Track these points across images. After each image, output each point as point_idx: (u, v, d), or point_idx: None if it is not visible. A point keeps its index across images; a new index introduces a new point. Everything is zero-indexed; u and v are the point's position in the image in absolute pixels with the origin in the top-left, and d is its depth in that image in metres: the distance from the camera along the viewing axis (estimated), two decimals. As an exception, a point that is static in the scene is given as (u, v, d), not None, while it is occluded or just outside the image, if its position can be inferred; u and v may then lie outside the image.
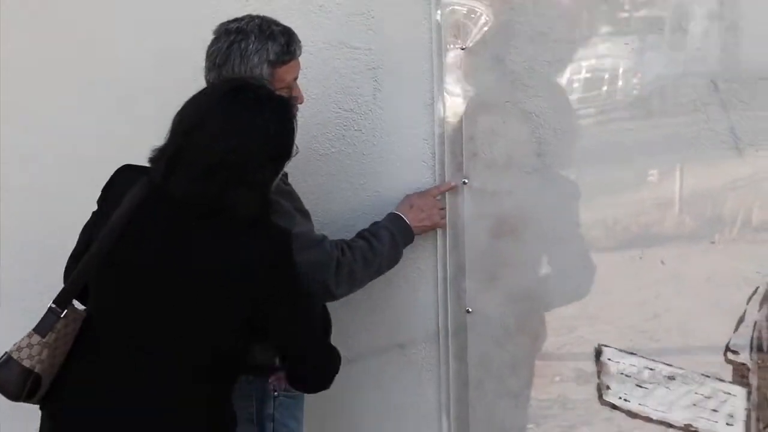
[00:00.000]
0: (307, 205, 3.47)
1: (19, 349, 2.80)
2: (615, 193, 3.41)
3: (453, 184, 3.45)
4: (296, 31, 3.36)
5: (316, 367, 2.88)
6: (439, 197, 3.45)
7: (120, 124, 3.66)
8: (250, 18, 3.05)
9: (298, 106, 3.10)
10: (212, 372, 2.77)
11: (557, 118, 3.39)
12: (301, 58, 3.36)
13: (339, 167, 3.56)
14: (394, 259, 3.30)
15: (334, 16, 3.49)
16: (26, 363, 2.78)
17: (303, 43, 3.33)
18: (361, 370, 3.63)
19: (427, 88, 3.46)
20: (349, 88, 3.51)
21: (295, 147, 2.85)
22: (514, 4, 3.37)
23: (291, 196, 3.11)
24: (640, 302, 3.41)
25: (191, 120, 2.71)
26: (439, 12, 3.41)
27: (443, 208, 3.45)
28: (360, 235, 3.26)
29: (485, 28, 3.39)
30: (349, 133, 3.53)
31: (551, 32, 3.35)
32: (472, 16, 3.39)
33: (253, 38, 2.98)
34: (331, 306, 3.47)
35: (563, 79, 3.38)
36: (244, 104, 2.70)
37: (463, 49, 3.40)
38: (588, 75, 3.37)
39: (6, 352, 2.82)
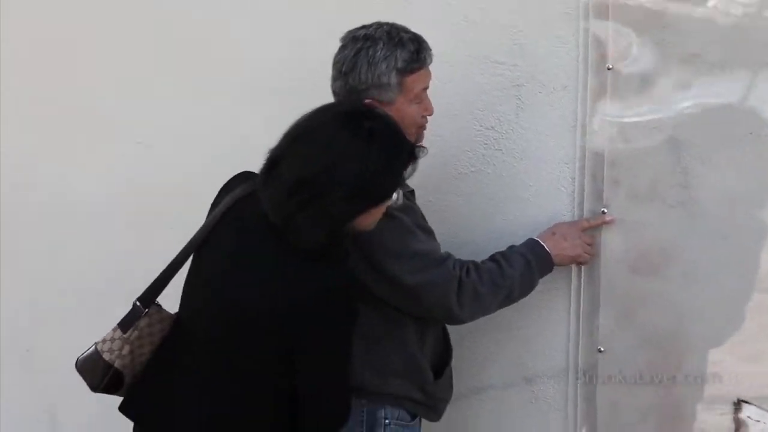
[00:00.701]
0: (442, 225, 3.35)
1: (103, 341, 2.81)
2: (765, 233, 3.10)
3: (609, 219, 3.22)
4: (439, 43, 3.25)
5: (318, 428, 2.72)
6: (589, 230, 3.22)
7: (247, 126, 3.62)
8: (379, 24, 2.93)
9: (428, 118, 2.99)
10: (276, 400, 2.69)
11: (706, 147, 3.11)
12: (443, 72, 3.27)
13: (477, 188, 3.39)
14: (528, 286, 3.08)
15: (478, 29, 3.33)
16: (106, 356, 2.79)
17: (445, 55, 3.24)
18: (486, 400, 3.48)
19: (570, 109, 3.25)
20: (491, 105, 3.34)
21: (397, 195, 2.70)
22: (666, 22, 3.11)
23: (413, 211, 2.95)
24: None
25: (299, 131, 2.59)
26: (587, 29, 3.19)
27: (591, 244, 3.22)
28: (492, 257, 3.08)
29: (634, 48, 3.15)
30: (489, 153, 3.36)
31: (704, 54, 3.08)
32: (622, 34, 3.16)
33: (381, 45, 2.85)
34: (459, 332, 3.34)
35: (714, 106, 3.09)
36: (354, 131, 2.53)
37: (610, 69, 3.17)
38: (741, 102, 3.08)
39: (95, 342, 2.83)
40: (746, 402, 3.13)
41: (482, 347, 3.45)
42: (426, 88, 2.97)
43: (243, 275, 2.63)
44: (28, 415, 4.27)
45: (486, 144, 3.36)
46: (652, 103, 3.15)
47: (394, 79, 2.86)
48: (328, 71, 2.93)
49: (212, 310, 2.68)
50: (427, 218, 3.38)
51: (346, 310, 2.61)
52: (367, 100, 2.83)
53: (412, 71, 2.89)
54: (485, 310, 3.02)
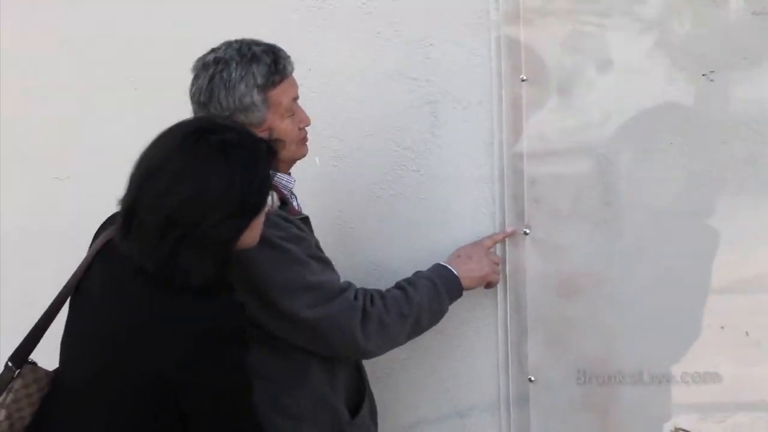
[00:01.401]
0: (362, 253, 3.21)
1: None
2: (694, 250, 2.90)
3: (509, 231, 3.04)
4: (354, 59, 3.10)
5: None
6: (493, 248, 3.03)
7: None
8: (227, 44, 2.71)
9: (307, 129, 2.81)
10: None
11: (628, 161, 2.91)
12: (358, 90, 3.15)
13: (397, 212, 3.21)
14: (437, 312, 2.87)
15: (391, 44, 3.14)
16: None
17: (360, 73, 3.14)
18: (418, 438, 3.27)
19: (487, 125, 3.06)
20: (407, 124, 3.16)
21: (271, 199, 2.51)
22: (581, 28, 2.91)
23: (304, 240, 2.73)
24: (725, 377, 2.87)
25: (148, 167, 2.36)
26: (498, 38, 3.00)
27: (498, 263, 3.03)
28: (397, 284, 2.87)
29: (548, 57, 2.95)
30: (407, 174, 3.18)
31: (623, 61, 2.89)
32: (535, 42, 2.96)
33: (234, 65, 2.64)
34: (388, 366, 3.16)
35: (636, 117, 2.89)
36: (205, 149, 2.32)
37: (524, 80, 2.97)
38: (666, 112, 2.88)
39: None
40: (684, 430, 2.93)
41: (411, 381, 3.27)
42: (296, 98, 2.77)
43: (117, 321, 2.42)
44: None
45: (404, 165, 3.18)
46: (570, 115, 2.96)
47: (257, 97, 2.66)
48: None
49: (90, 360, 2.48)
50: (350, 246, 3.23)
51: (234, 345, 2.39)
52: None
53: (274, 84, 2.68)
54: (393, 340, 2.81)
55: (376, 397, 3.20)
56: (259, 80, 2.65)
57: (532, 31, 2.96)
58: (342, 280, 3.13)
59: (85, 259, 2.59)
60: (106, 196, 3.21)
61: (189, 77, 2.85)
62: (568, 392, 3.04)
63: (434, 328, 2.90)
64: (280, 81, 2.69)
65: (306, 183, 3.24)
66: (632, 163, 2.91)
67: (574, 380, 3.03)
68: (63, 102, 3.65)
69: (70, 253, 3.40)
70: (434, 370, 3.24)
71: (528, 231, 3.02)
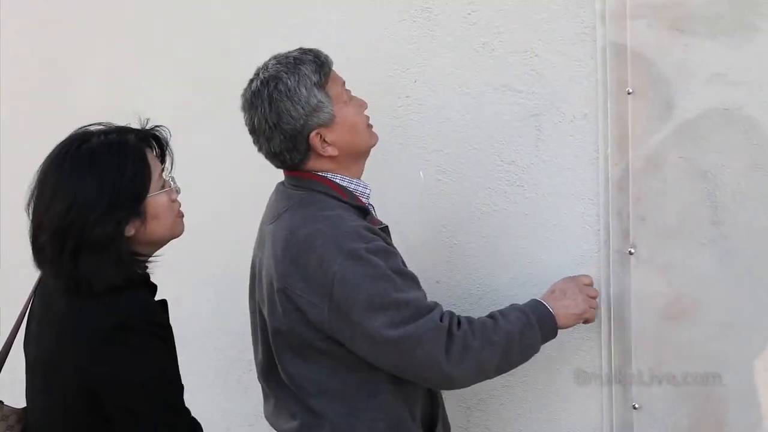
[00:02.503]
0: (465, 269, 3.14)
1: None
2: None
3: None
4: (458, 70, 3.06)
5: None
6: (590, 284, 2.90)
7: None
8: (263, 67, 2.69)
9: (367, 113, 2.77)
10: None
11: (737, 178, 2.75)
12: (462, 102, 3.14)
13: (501, 228, 3.11)
14: (528, 347, 2.70)
15: (496, 55, 3.06)
16: None
17: (465, 85, 3.11)
18: (518, 466, 3.16)
19: (591, 140, 2.94)
20: (511, 137, 3.06)
21: (170, 183, 2.58)
22: (689, 40, 2.77)
23: (389, 254, 2.63)
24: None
25: (35, 190, 2.50)
26: (604, 48, 2.88)
27: (595, 297, 2.88)
28: (489, 314, 2.74)
29: (655, 69, 2.82)
30: (511, 189, 3.08)
31: (730, 73, 2.73)
32: (641, 54, 2.83)
33: (285, 76, 2.62)
34: (491, 389, 3.07)
35: (746, 131, 2.74)
36: (75, 161, 2.45)
37: (630, 93, 2.85)
38: (777, 125, 2.72)
39: None
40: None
41: (513, 405, 3.16)
42: (343, 83, 2.74)
43: (50, 341, 2.51)
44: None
45: (508, 180, 3.08)
46: (677, 130, 2.81)
47: (319, 94, 2.64)
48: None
49: (40, 388, 2.55)
50: (452, 261, 3.16)
51: (145, 339, 2.42)
52: (312, 134, 2.64)
53: (326, 77, 2.67)
54: (480, 368, 2.63)
55: (479, 420, 3.13)
56: (314, 78, 2.63)
57: (638, 42, 2.83)
58: (444, 296, 3.08)
59: (32, 290, 2.67)
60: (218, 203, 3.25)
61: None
62: (675, 421, 2.89)
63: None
64: (329, 72, 2.67)
65: (409, 197, 3.20)
66: (742, 180, 2.75)
67: (681, 409, 2.88)
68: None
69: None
70: (536, 394, 3.12)
71: (633, 250, 2.89)
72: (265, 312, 2.73)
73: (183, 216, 2.64)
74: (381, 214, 3.02)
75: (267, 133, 2.65)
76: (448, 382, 2.67)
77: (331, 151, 2.67)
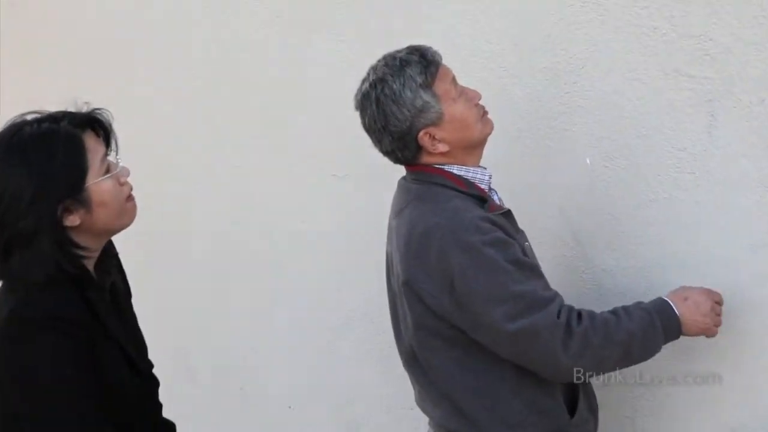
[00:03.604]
0: (632, 257, 3.10)
1: None
2: None
3: None
4: (629, 56, 3.01)
5: None
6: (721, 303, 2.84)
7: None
8: (373, 68, 2.75)
9: (480, 103, 2.78)
10: None
11: None
12: (633, 88, 3.06)
13: (668, 215, 3.04)
14: (651, 347, 2.70)
15: (668, 40, 2.99)
16: None
17: (636, 71, 3.04)
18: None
19: (765, 125, 2.85)
20: (682, 124, 2.99)
21: (115, 166, 2.52)
22: None
23: (506, 245, 2.64)
24: None
25: None
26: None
27: (720, 315, 2.82)
28: (612, 309, 2.74)
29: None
30: (681, 176, 3.00)
31: None
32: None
33: (390, 78, 2.67)
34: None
35: None
36: (6, 153, 2.41)
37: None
38: None
39: None
40: None
41: (677, 394, 3.09)
42: (453, 78, 2.74)
43: None
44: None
45: (678, 167, 3.01)
46: None
47: (425, 95, 2.68)
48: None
49: None
50: (618, 249, 3.11)
51: (48, 335, 2.34)
52: (421, 133, 2.68)
53: (433, 77, 2.69)
54: (598, 363, 2.65)
55: (646, 411, 3.08)
56: (419, 80, 2.67)
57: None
58: (610, 285, 3.03)
59: None
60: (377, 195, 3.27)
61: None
62: None
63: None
64: (436, 71, 2.69)
65: (575, 183, 3.16)
66: None
67: None
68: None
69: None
70: (703, 380, 3.04)
71: (812, 242, 2.80)
72: (398, 303, 2.80)
73: (133, 199, 2.58)
74: (545, 201, 3.00)
75: (377, 134, 2.73)
76: (564, 373, 2.66)
77: (441, 147, 2.72)
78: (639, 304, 2.74)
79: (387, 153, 2.77)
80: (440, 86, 2.70)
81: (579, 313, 2.63)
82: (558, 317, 2.59)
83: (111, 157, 2.54)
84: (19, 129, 2.45)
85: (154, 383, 2.76)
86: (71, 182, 2.43)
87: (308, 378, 4.04)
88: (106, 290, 2.58)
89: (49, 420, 2.36)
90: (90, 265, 2.53)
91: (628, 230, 3.11)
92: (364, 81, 2.75)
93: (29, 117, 2.50)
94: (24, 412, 2.37)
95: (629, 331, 2.64)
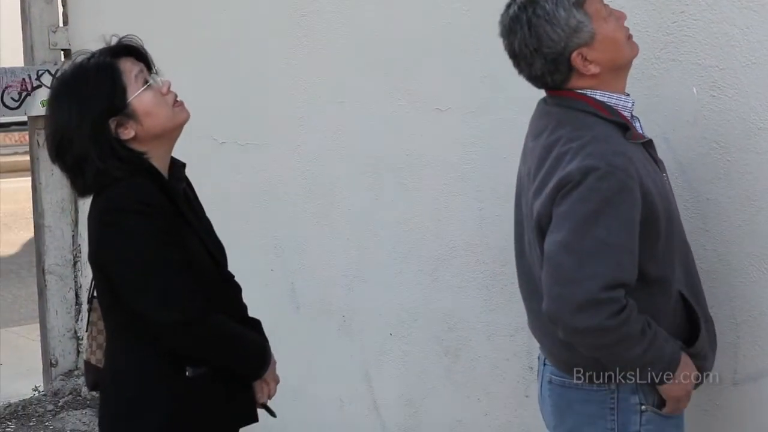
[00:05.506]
0: (740, 186, 3.15)
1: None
2: None
3: None
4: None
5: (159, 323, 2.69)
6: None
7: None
8: None
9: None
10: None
11: None
12: (744, 18, 3.04)
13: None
14: (636, 366, 2.63)
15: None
16: (85, 356, 3.02)
17: None
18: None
19: None
20: (795, 52, 2.97)
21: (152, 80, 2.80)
22: None
23: (623, 194, 2.58)
24: None
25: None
26: None
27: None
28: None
29: None
30: None
31: None
32: None
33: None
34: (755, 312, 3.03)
35: None
36: (54, 89, 2.80)
37: None
38: None
39: None
40: None
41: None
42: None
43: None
44: (346, 376, 4.36)
45: None
46: None
47: (578, 14, 2.63)
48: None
49: None
50: (723, 178, 3.10)
51: (130, 218, 2.68)
52: (574, 54, 2.63)
53: None
54: (601, 347, 2.61)
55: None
56: None
57: None
58: (715, 213, 3.06)
59: None
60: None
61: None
62: None
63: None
64: None
65: (681, 113, 3.16)
66: None
67: None
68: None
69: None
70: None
71: None
72: (525, 225, 2.80)
73: (182, 104, 2.82)
74: (651, 130, 3.00)
75: (528, 58, 2.67)
76: (572, 331, 2.60)
77: (593, 69, 2.66)
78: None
79: (535, 78, 2.72)
80: (591, 4, 2.65)
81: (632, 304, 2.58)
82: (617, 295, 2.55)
83: (152, 76, 2.82)
84: (63, 72, 2.83)
85: (237, 287, 3.02)
86: (110, 101, 2.72)
87: (409, 305, 4.09)
88: (180, 191, 2.85)
89: (143, 292, 2.69)
90: (163, 170, 2.81)
91: (736, 159, 3.10)
92: (510, 5, 2.69)
93: (78, 59, 2.82)
94: (125, 285, 2.70)
95: (657, 348, 2.61)
